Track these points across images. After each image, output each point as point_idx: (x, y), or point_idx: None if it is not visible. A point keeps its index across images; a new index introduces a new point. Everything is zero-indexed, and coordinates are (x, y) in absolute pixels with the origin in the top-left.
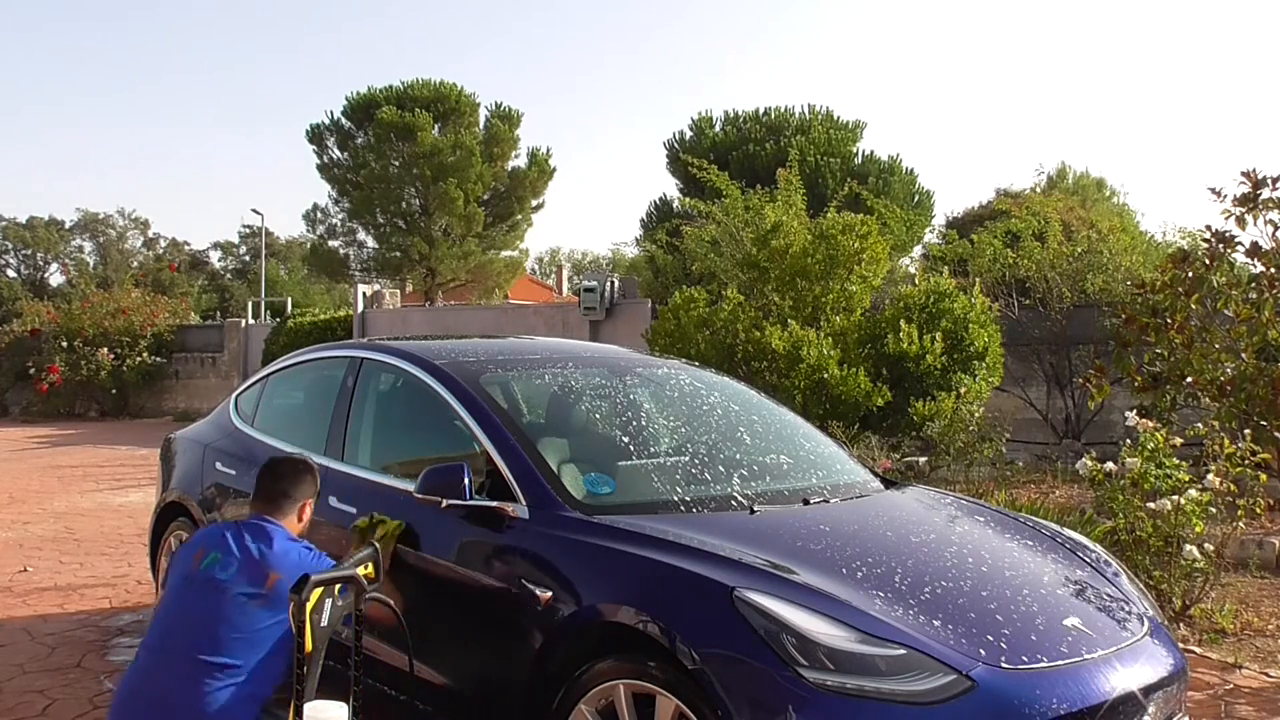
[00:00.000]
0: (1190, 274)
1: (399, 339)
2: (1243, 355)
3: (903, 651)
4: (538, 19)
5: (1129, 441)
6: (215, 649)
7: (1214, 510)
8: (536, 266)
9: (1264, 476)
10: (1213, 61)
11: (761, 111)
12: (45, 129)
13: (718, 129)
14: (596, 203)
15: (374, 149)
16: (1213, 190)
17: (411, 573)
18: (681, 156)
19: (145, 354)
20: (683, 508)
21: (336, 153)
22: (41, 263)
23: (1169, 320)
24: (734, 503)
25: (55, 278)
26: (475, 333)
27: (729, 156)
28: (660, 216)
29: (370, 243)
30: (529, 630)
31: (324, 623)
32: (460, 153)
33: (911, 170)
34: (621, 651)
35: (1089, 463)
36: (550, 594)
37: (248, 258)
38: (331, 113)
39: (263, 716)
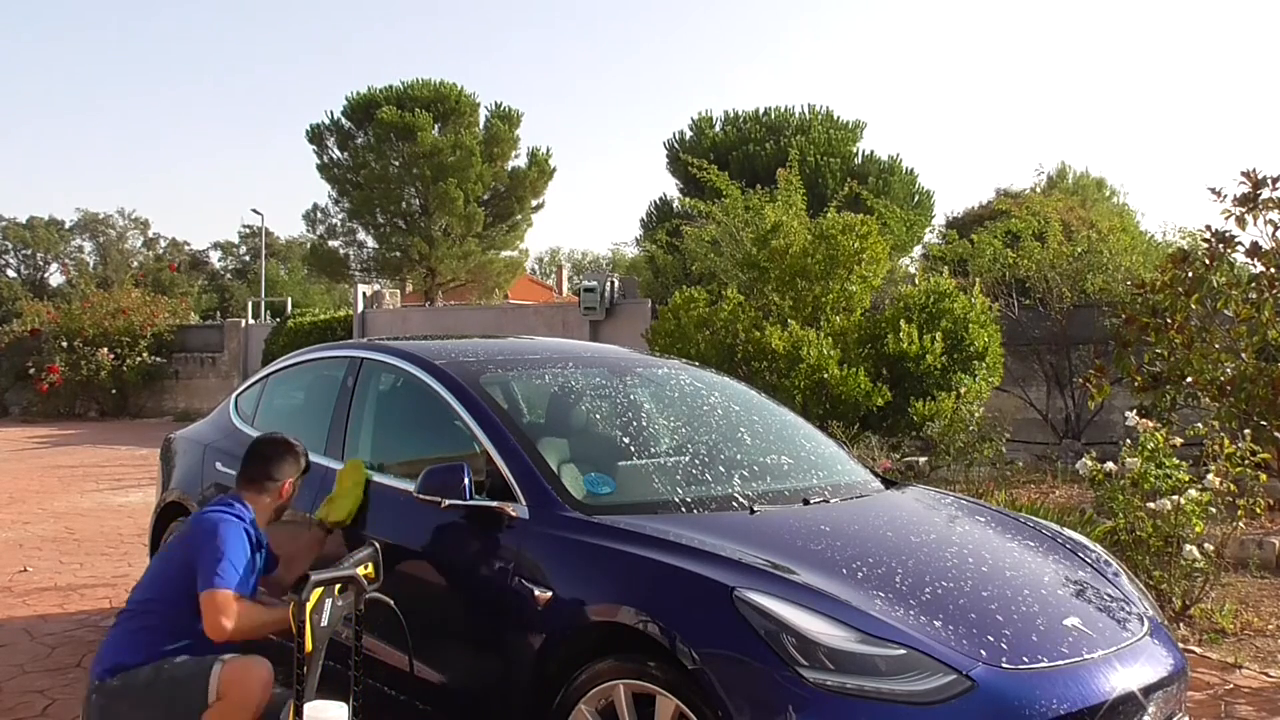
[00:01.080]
0: (1190, 274)
1: (399, 339)
2: (1243, 355)
3: (903, 652)
4: (538, 19)
5: (1129, 441)
6: (134, 595)
7: (1214, 510)
8: (536, 266)
9: (1264, 476)
10: (1213, 61)
11: (761, 111)
12: (46, 129)
13: (718, 129)
14: (596, 203)
15: (374, 149)
16: (1213, 190)
17: (411, 573)
18: (681, 156)
19: (145, 354)
20: (683, 508)
21: (336, 153)
22: (41, 263)
23: (1169, 320)
24: (734, 503)
25: (55, 278)
26: (475, 333)
27: (729, 156)
28: (660, 216)
29: (370, 243)
30: (529, 630)
31: (324, 623)
32: (460, 153)
33: (911, 170)
34: (621, 651)
35: (1089, 463)
36: (550, 594)
37: (248, 258)
38: (331, 113)
39: (163, 662)
